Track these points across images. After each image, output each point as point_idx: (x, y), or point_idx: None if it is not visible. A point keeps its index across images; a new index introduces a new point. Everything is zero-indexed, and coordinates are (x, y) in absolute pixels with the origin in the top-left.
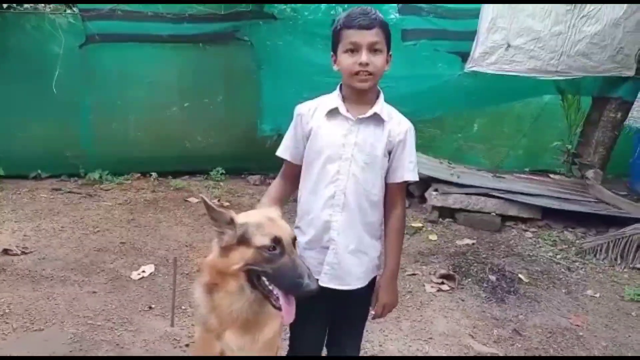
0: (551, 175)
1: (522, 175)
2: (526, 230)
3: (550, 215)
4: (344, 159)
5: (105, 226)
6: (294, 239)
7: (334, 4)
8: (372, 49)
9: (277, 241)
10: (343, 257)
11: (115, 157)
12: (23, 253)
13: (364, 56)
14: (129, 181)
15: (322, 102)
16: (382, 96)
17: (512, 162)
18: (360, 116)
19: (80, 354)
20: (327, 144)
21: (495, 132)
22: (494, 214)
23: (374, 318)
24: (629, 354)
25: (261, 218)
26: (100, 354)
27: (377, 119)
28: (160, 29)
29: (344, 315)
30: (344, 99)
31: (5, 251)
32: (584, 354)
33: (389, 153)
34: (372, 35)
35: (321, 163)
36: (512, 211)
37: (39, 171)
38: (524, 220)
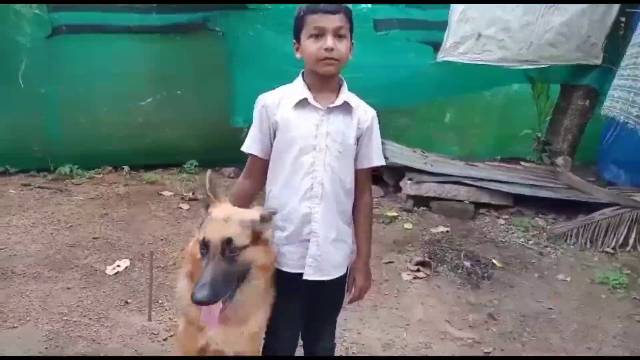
0: (522, 163)
1: (494, 163)
2: (499, 217)
3: (521, 202)
4: (318, 150)
5: (77, 221)
6: (226, 242)
7: None
8: (337, 34)
9: (205, 243)
10: (325, 248)
11: (86, 150)
12: None
13: (329, 41)
14: (101, 175)
15: (286, 92)
16: (345, 84)
17: (484, 150)
18: (331, 105)
19: (56, 351)
20: (299, 136)
21: (466, 121)
22: (467, 201)
23: (350, 302)
24: (599, 335)
25: (219, 214)
26: (76, 350)
27: (345, 107)
28: (129, 19)
29: (321, 306)
30: (309, 88)
31: None
32: (556, 337)
33: (357, 140)
34: (337, 20)
35: (294, 155)
36: (485, 199)
37: (7, 167)
38: (496, 208)
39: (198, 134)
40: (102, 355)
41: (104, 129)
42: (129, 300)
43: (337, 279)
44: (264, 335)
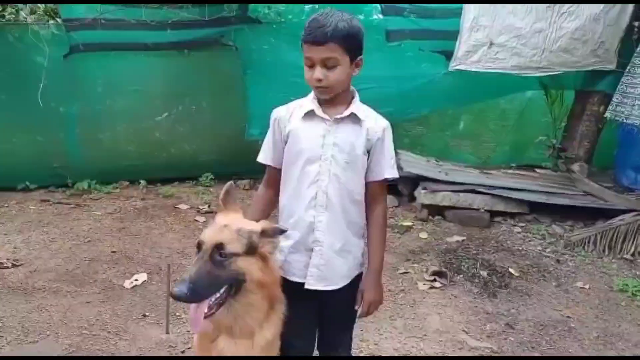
0: (537, 170)
1: (509, 171)
2: (515, 225)
3: (538, 209)
4: (323, 159)
5: (95, 236)
6: (217, 246)
7: (316, 4)
8: (325, 64)
9: (199, 244)
10: (329, 257)
11: (103, 166)
12: (14, 266)
13: (316, 72)
14: (118, 190)
15: (298, 105)
16: (357, 96)
17: (499, 158)
18: (338, 116)
19: None
20: (306, 146)
21: (481, 129)
22: (482, 210)
23: (359, 317)
24: (620, 344)
25: (221, 220)
26: None
27: (354, 118)
28: (145, 36)
29: (332, 314)
30: (319, 101)
31: None
32: (575, 345)
33: (368, 152)
34: (324, 51)
35: (301, 165)
36: (500, 207)
37: (27, 183)
38: (512, 215)
39: (213, 148)
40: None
41: (121, 144)
42: (147, 313)
43: (345, 288)
44: (277, 351)
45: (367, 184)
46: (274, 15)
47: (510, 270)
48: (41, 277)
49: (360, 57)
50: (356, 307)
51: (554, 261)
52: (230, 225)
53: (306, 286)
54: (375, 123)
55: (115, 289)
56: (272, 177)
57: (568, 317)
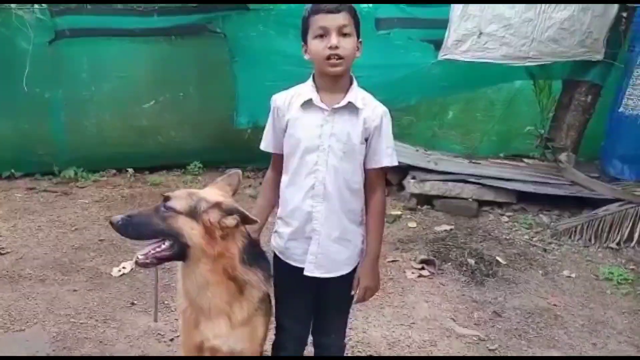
0: (525, 160)
1: (497, 161)
2: (502, 215)
3: (525, 199)
4: (321, 150)
5: (82, 224)
6: (165, 198)
7: None
8: (341, 32)
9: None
10: (326, 246)
11: (90, 153)
12: (0, 254)
13: (333, 39)
14: (105, 178)
15: (296, 92)
16: (355, 83)
17: (487, 147)
18: (335, 106)
19: (63, 352)
20: (304, 136)
21: (469, 119)
22: (470, 199)
23: (356, 302)
24: (605, 331)
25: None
26: (84, 351)
27: (351, 107)
28: (131, 22)
29: (329, 301)
30: (317, 88)
31: None
32: (561, 333)
33: (366, 140)
34: (340, 19)
35: (299, 154)
36: (488, 196)
37: (12, 170)
38: (500, 205)
39: (201, 136)
40: (107, 355)
41: (108, 132)
42: (135, 302)
43: (345, 276)
44: (262, 336)
45: (366, 172)
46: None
47: (498, 258)
48: (27, 265)
49: (360, 39)
50: (352, 293)
51: (540, 250)
52: (197, 192)
53: (305, 273)
54: (373, 111)
55: (102, 277)
56: (277, 162)
57: (554, 305)
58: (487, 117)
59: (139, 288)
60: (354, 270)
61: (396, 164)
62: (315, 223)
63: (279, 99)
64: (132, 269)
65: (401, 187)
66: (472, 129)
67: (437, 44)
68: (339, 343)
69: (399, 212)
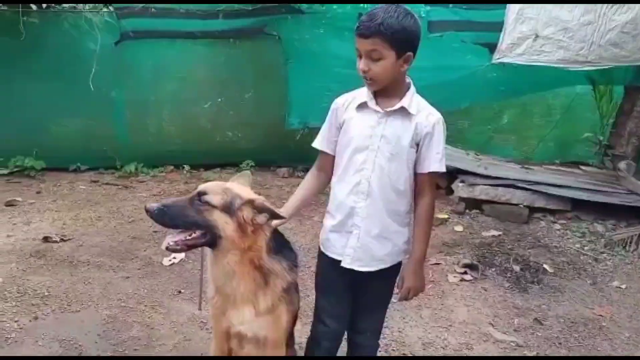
0: (582, 167)
1: (552, 167)
2: (555, 222)
3: (580, 207)
4: (370, 150)
5: (139, 216)
6: (199, 192)
7: None
8: (370, 57)
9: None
10: (365, 241)
11: (150, 150)
12: (62, 240)
13: (361, 63)
14: (163, 174)
15: (355, 95)
16: (412, 88)
17: (543, 153)
18: (388, 109)
19: (112, 334)
20: (356, 135)
21: (525, 124)
22: (521, 205)
23: (399, 300)
24: None
25: (228, 183)
26: (131, 334)
27: (404, 112)
28: (192, 25)
29: (366, 299)
30: (375, 93)
31: (46, 238)
32: (605, 344)
33: (417, 145)
34: (368, 44)
35: (350, 153)
36: (541, 203)
37: (79, 164)
38: (552, 212)
39: (254, 136)
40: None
41: (167, 130)
42: (182, 290)
43: (382, 273)
44: (286, 325)
45: (416, 176)
46: (318, 5)
47: (545, 266)
48: (86, 252)
49: (409, 53)
50: (396, 291)
51: (591, 259)
52: (231, 187)
53: (342, 264)
54: (426, 118)
55: (154, 266)
56: (324, 162)
57: (600, 315)
58: (544, 122)
59: (186, 277)
60: (393, 269)
61: (444, 170)
62: (357, 218)
63: (340, 100)
64: (181, 260)
65: (450, 191)
66: (528, 135)
67: (492, 47)
68: (373, 343)
69: (446, 216)
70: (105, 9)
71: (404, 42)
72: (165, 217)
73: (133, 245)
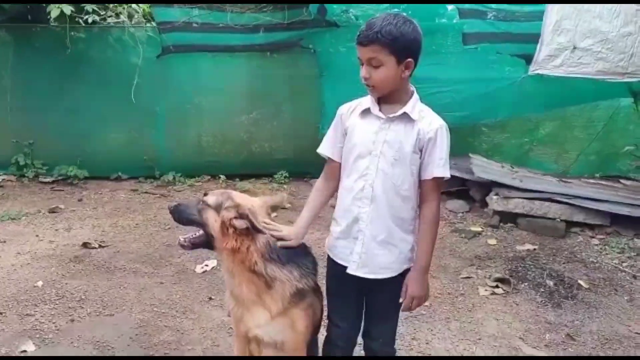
0: (622, 181)
1: (590, 181)
2: (593, 237)
3: (620, 222)
4: (373, 155)
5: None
6: (204, 194)
7: (392, 4)
8: (370, 64)
9: None
10: (370, 247)
11: (188, 160)
12: (100, 246)
13: (362, 70)
14: (200, 183)
15: (359, 102)
16: (415, 96)
17: (582, 167)
18: (390, 115)
19: (144, 338)
20: (359, 141)
21: (564, 136)
22: (558, 219)
23: (402, 310)
24: None
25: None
26: (162, 338)
27: (407, 118)
28: (230, 39)
29: (375, 305)
30: (379, 99)
31: (85, 244)
32: None
33: (420, 151)
34: (367, 52)
35: (353, 159)
36: (578, 217)
37: (120, 173)
38: (591, 227)
39: (289, 147)
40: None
41: (205, 141)
42: (213, 297)
43: (389, 281)
44: (304, 330)
45: (420, 183)
46: (354, 19)
47: (580, 282)
48: (123, 258)
49: (410, 59)
50: (400, 300)
51: (629, 276)
52: (232, 193)
53: (348, 271)
54: (429, 124)
55: (187, 273)
56: (330, 169)
57: (637, 333)
58: (584, 135)
59: (217, 285)
60: (400, 276)
61: (448, 175)
62: (362, 224)
63: (344, 107)
64: (213, 267)
65: (484, 204)
66: (567, 147)
67: (528, 59)
68: (388, 349)
69: (480, 229)
70: (148, 25)
71: (403, 49)
72: (176, 214)
73: (167, 252)
